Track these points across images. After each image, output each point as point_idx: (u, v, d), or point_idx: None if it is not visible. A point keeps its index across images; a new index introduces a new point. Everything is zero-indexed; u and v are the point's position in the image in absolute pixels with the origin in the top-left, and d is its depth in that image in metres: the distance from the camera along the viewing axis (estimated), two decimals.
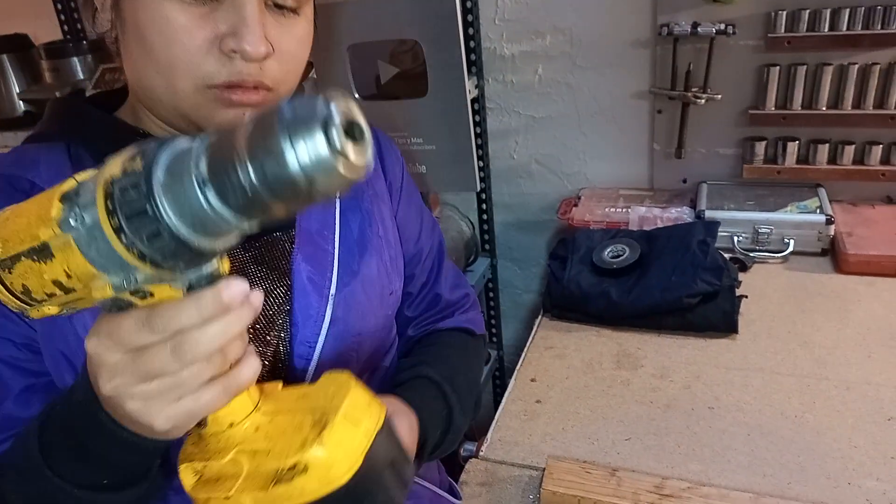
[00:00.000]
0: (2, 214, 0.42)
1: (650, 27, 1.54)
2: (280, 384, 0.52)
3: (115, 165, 0.37)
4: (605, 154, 1.72)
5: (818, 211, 1.43)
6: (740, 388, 1.08)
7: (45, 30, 1.88)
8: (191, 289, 0.40)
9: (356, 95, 1.51)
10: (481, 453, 1.01)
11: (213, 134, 0.36)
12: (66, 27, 1.89)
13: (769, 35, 1.43)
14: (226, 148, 0.34)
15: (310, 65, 1.51)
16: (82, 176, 0.39)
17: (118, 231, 0.36)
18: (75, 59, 1.68)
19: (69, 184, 0.39)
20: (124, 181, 0.35)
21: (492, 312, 1.98)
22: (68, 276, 0.39)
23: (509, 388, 1.15)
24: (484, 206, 1.83)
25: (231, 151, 0.34)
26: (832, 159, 1.50)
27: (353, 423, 0.46)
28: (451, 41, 1.37)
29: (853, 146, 1.47)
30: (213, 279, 0.41)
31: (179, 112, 0.60)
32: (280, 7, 0.60)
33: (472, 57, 1.62)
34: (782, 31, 1.41)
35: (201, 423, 0.46)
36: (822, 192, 1.49)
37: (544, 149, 1.77)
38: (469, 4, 1.57)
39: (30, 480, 0.52)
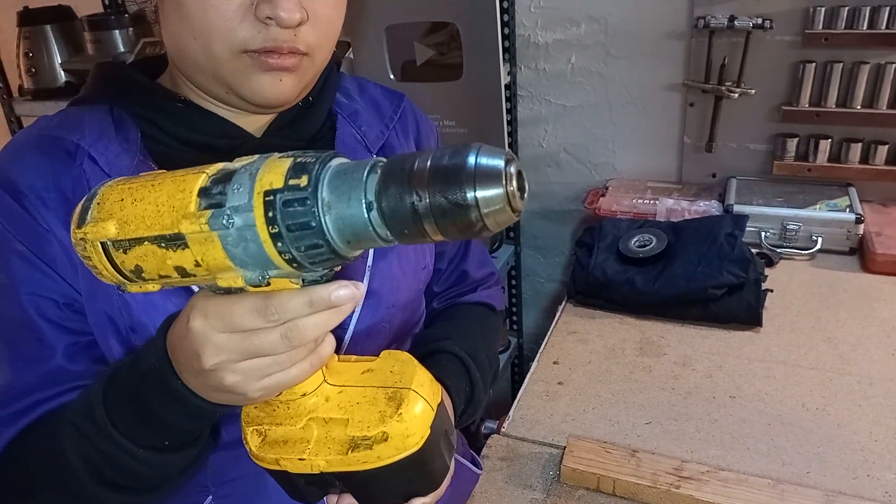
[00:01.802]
0: (110, 193, 0.44)
1: (686, 19, 1.54)
2: (336, 356, 0.56)
3: (273, 175, 0.39)
4: (634, 145, 1.73)
5: (848, 210, 1.42)
6: (762, 378, 1.09)
7: (87, 2, 1.92)
8: (304, 282, 0.43)
9: (391, 76, 1.53)
10: (503, 430, 1.02)
11: (381, 161, 0.40)
12: (106, 1, 1.93)
13: (806, 31, 1.42)
14: (403, 177, 0.38)
15: (346, 45, 1.53)
16: (212, 169, 0.42)
17: (275, 237, 0.39)
18: (116, 32, 1.72)
19: (201, 178, 0.41)
20: (288, 195, 0.38)
21: (513, 300, 1.99)
22: (196, 265, 0.42)
23: (532, 369, 1.17)
24: None
25: (408, 182, 0.37)
26: (864, 159, 1.49)
27: (423, 398, 0.51)
28: (488, 25, 1.38)
29: (886, 146, 1.47)
30: (328, 277, 0.44)
31: (217, 77, 0.61)
32: None
33: (506, 44, 1.63)
34: (820, 27, 1.41)
35: None
36: (853, 191, 1.49)
37: (573, 138, 1.78)
38: None
39: (91, 440, 0.55)
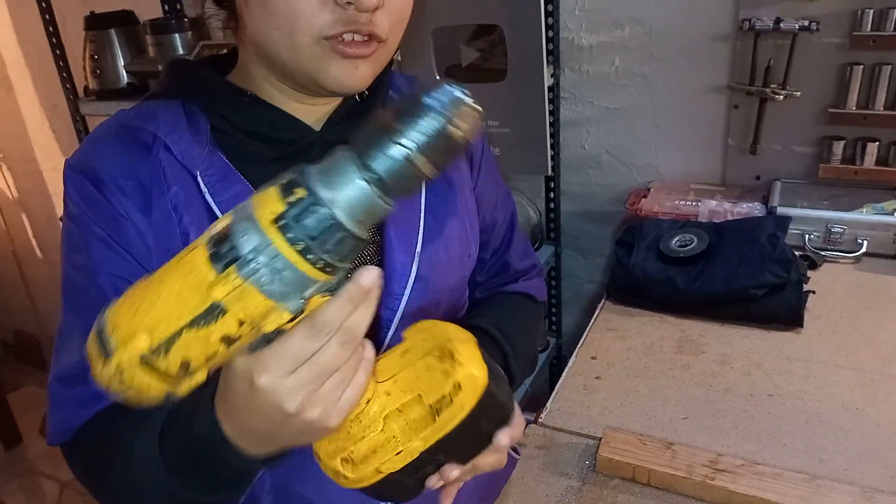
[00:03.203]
0: (116, 315, 0.44)
1: (731, 21, 1.54)
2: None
3: (270, 206, 0.42)
4: (677, 147, 1.73)
5: (895, 213, 1.41)
6: (801, 378, 1.09)
7: (147, 7, 2.01)
8: (330, 291, 0.46)
9: (437, 77, 1.57)
10: (540, 420, 1.05)
11: (342, 147, 0.43)
12: (166, 6, 2.02)
13: (854, 33, 1.41)
14: (377, 135, 0.42)
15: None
16: (204, 239, 0.43)
17: (304, 251, 0.41)
18: (177, 36, 1.79)
19: (200, 252, 0.43)
20: (294, 210, 0.41)
21: (553, 300, 2.01)
22: (241, 325, 0.43)
23: (570, 364, 1.19)
24: (552, 195, 1.87)
25: (385, 135, 0.41)
26: None
27: (465, 342, 0.55)
28: (532, 28, 1.41)
29: None
30: (348, 276, 0.47)
31: (297, 66, 0.65)
32: None
33: (550, 46, 1.65)
34: (868, 29, 1.40)
35: None
36: None
37: (616, 140, 1.79)
38: None
39: (155, 476, 0.59)
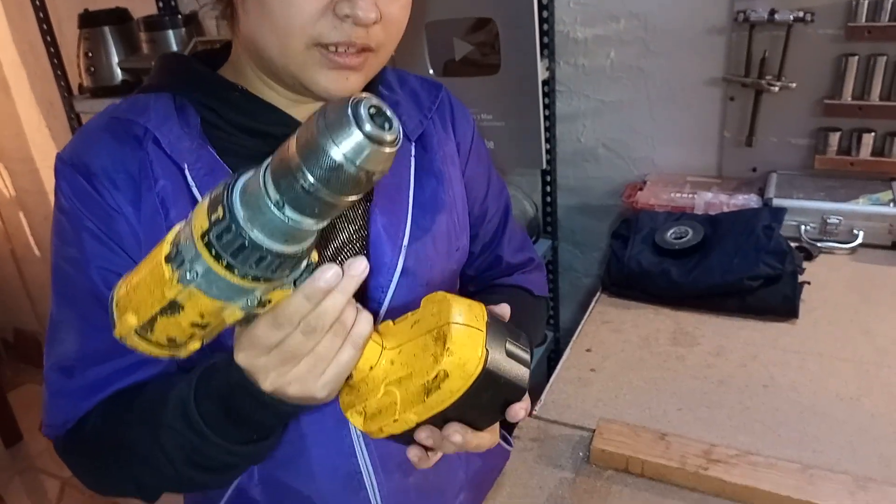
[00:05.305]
0: (120, 292, 0.49)
1: (726, 13, 1.53)
2: (391, 322, 0.60)
3: (200, 220, 0.43)
4: (673, 140, 1.73)
5: (891, 204, 1.40)
6: (796, 369, 1.09)
7: (141, 4, 2.01)
8: (296, 284, 0.48)
9: (430, 71, 1.57)
10: (534, 412, 1.05)
11: (269, 160, 0.43)
12: (160, 3, 2.01)
13: (849, 24, 1.41)
14: (283, 167, 0.41)
15: None
16: (171, 236, 0.46)
17: (229, 268, 0.43)
18: (171, 32, 1.79)
19: (165, 249, 0.45)
20: (216, 230, 0.42)
21: (550, 294, 2.01)
22: (202, 316, 0.46)
23: (564, 356, 1.19)
24: (548, 189, 1.86)
25: (288, 169, 0.40)
26: None
27: (465, 325, 0.54)
28: (526, 21, 1.41)
29: None
30: (311, 270, 0.48)
31: (288, 70, 0.65)
32: None
33: (545, 40, 1.65)
34: (863, 20, 1.39)
35: (348, 377, 0.55)
36: None
37: (612, 133, 1.79)
38: None
39: (185, 436, 0.59)
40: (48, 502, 2.42)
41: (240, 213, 0.42)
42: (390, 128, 0.41)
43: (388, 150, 0.41)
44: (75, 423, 0.69)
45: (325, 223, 0.44)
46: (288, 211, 0.41)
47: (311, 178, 0.40)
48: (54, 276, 0.70)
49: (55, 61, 2.03)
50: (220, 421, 0.58)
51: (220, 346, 0.59)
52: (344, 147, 0.39)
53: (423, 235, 0.78)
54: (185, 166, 0.66)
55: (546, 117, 1.70)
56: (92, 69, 1.89)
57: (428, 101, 0.84)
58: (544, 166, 1.66)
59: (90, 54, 1.89)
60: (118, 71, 1.88)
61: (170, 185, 0.66)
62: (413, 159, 0.80)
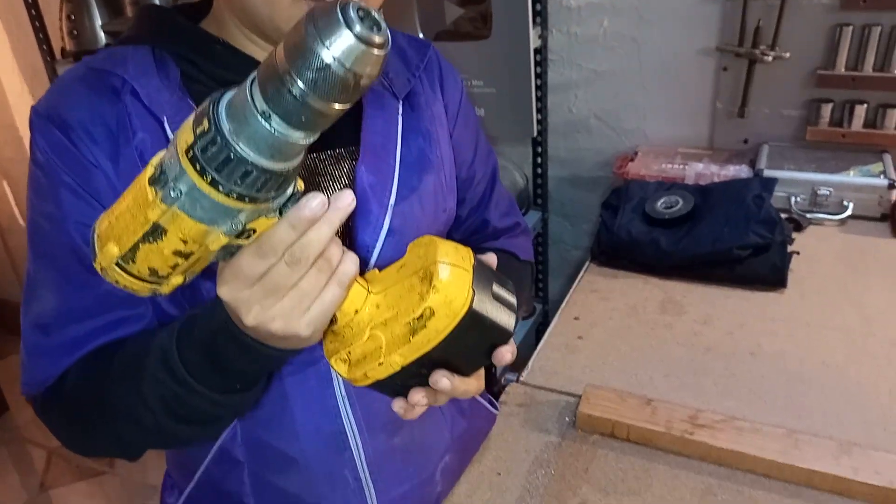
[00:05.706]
0: (103, 225, 0.48)
1: None
2: (377, 270, 0.59)
3: (185, 134, 0.42)
4: (666, 111, 1.71)
5: (882, 175, 1.40)
6: (784, 338, 1.09)
7: None
8: (281, 213, 0.47)
9: (421, 35, 1.54)
10: (521, 378, 1.05)
11: (255, 72, 0.41)
12: None
13: None
14: (271, 74, 0.39)
15: None
16: (156, 160, 0.45)
17: (214, 184, 0.42)
18: None
19: (149, 171, 0.44)
20: (201, 143, 0.41)
21: (539, 267, 2.00)
22: (185, 242, 0.45)
23: (552, 324, 1.18)
24: (539, 160, 1.85)
25: (276, 76, 0.39)
26: None
27: (451, 265, 0.53)
28: None
29: None
30: (296, 199, 0.47)
31: (273, 25, 0.63)
32: None
33: (538, 7, 1.62)
34: None
35: (332, 322, 0.54)
36: (888, 157, 1.46)
37: (604, 104, 1.77)
38: None
39: (167, 385, 0.59)
40: (35, 472, 2.41)
41: (225, 125, 0.41)
42: (379, 30, 0.40)
43: (377, 52, 0.40)
44: (55, 380, 0.68)
45: (311, 139, 0.43)
46: (275, 122, 0.40)
47: (299, 83, 0.39)
48: (30, 232, 0.68)
49: (37, 24, 1.98)
50: (202, 369, 0.57)
51: (200, 303, 0.57)
52: (334, 48, 0.38)
53: (409, 195, 0.76)
54: (165, 119, 0.65)
55: (538, 87, 1.68)
56: (75, 32, 1.85)
57: (416, 58, 0.82)
58: (535, 135, 1.64)
59: (73, 17, 1.84)
60: (102, 34, 1.84)
61: (149, 139, 0.65)
62: (400, 118, 0.78)
